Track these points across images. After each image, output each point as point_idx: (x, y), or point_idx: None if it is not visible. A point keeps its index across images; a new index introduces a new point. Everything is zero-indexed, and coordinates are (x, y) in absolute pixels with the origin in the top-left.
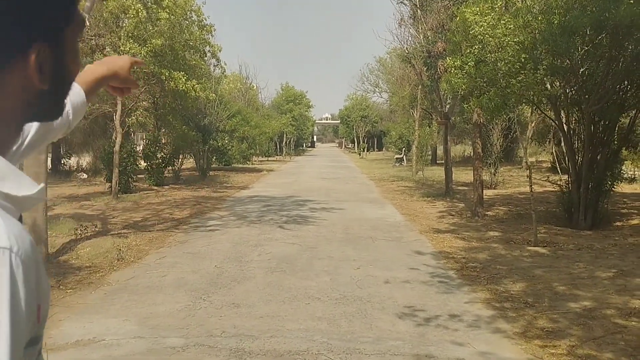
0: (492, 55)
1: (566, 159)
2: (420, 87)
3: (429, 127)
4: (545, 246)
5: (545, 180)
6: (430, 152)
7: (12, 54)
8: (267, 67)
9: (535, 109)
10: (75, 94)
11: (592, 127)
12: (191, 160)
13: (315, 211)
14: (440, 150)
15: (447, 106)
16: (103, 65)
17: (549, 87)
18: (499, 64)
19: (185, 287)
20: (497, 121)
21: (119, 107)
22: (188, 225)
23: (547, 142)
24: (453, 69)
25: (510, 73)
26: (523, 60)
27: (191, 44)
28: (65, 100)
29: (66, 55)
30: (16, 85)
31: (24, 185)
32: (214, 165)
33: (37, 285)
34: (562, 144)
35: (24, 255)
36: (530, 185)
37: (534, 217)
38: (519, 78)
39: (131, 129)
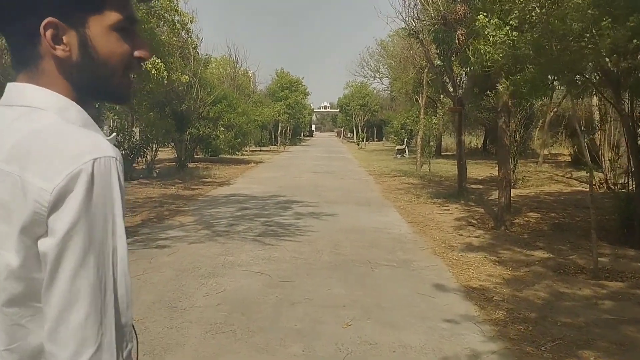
0: (544, 10)
1: (597, 154)
2: (426, 69)
3: (435, 115)
4: (610, 277)
5: (570, 178)
6: (434, 144)
7: (38, 21)
8: (260, 50)
9: (582, 90)
10: None
11: None
12: (175, 150)
13: (300, 218)
14: (445, 142)
15: (461, 90)
16: None
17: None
18: (556, 22)
19: None
20: (519, 108)
21: None
22: (133, 238)
23: (559, 134)
24: (487, 28)
25: (573, 34)
26: (591, 16)
27: (155, 11)
28: (116, 86)
29: (93, 39)
30: (46, 50)
31: (102, 134)
32: (199, 156)
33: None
34: (595, 135)
35: (122, 163)
36: (591, 194)
37: (594, 237)
38: (582, 43)
39: (104, 117)
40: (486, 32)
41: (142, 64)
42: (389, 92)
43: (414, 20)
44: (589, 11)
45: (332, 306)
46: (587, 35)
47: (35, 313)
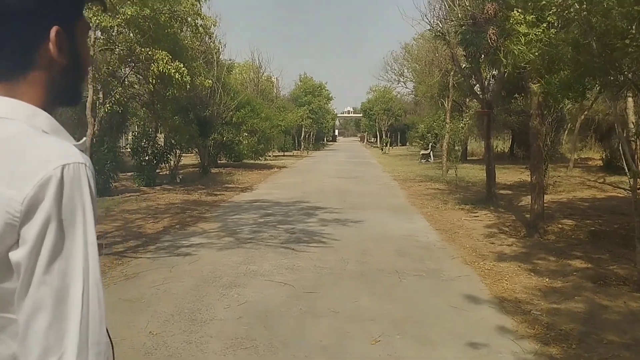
0: (584, 6)
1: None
2: (452, 72)
3: (461, 119)
4: None
5: (603, 183)
6: (459, 148)
7: (44, 31)
8: (283, 55)
9: (619, 92)
10: None
11: None
12: (198, 155)
13: (325, 224)
14: (470, 146)
15: (489, 93)
16: None
17: None
18: (596, 18)
19: None
20: (550, 110)
21: (90, 92)
22: (155, 246)
23: (589, 137)
24: (521, 25)
25: (615, 31)
26: (637, 13)
27: (178, 15)
28: (81, 89)
29: (78, 44)
30: (45, 58)
31: (71, 139)
32: (222, 162)
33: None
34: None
35: (92, 169)
36: (635, 201)
37: (639, 247)
38: (626, 41)
39: (129, 123)
40: (520, 30)
41: None
42: (413, 96)
43: (440, 22)
44: (635, 7)
45: (359, 320)
46: (633, 32)
47: (6, 324)
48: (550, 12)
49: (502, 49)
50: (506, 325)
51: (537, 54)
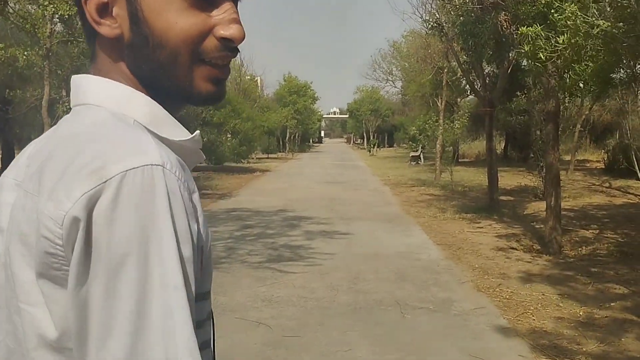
0: None
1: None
2: (446, 69)
3: (451, 120)
4: None
5: (610, 188)
6: (450, 150)
7: None
8: (266, 54)
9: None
10: None
11: None
12: None
13: (312, 238)
14: (461, 148)
15: (491, 89)
16: None
17: None
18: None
19: None
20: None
21: (46, 89)
22: None
23: (583, 138)
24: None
25: None
26: None
27: None
28: (190, 81)
29: (147, 8)
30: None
31: (180, 133)
32: (201, 164)
33: (197, 218)
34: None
35: (179, 175)
36: None
37: None
38: None
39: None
40: (568, 11)
41: (233, 49)
42: (401, 96)
43: (437, 12)
44: None
45: None
46: None
47: None
48: None
49: (524, 37)
50: None
51: (567, 40)
